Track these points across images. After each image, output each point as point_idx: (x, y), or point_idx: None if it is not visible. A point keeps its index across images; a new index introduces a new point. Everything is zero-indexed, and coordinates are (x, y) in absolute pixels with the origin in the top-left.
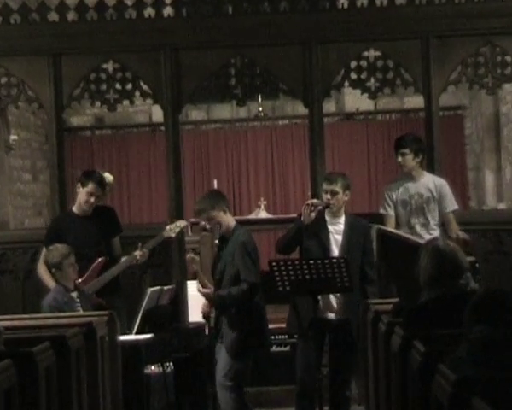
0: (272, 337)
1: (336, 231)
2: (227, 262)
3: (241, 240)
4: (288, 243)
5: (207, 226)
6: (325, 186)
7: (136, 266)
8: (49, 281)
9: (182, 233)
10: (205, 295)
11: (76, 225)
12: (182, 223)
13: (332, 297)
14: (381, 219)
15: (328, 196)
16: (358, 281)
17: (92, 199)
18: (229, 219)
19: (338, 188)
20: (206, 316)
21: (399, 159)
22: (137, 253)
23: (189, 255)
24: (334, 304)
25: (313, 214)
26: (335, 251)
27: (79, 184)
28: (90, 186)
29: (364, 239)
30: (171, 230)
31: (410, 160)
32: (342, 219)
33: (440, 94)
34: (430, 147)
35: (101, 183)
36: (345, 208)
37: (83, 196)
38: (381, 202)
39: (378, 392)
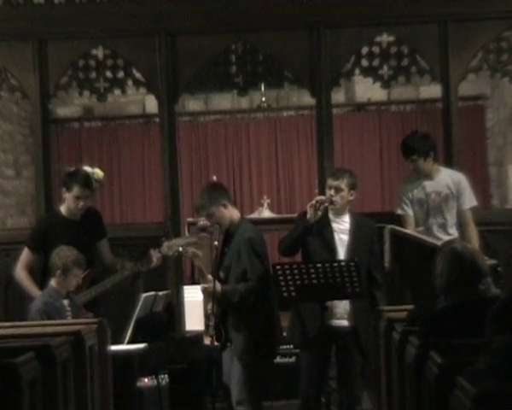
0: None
1: (341, 230)
2: (232, 260)
3: (247, 236)
4: (293, 242)
5: (208, 224)
6: (330, 182)
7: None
8: (31, 287)
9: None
10: (206, 290)
11: (66, 229)
12: (181, 241)
13: (339, 303)
14: (394, 218)
15: (332, 193)
16: (366, 286)
17: (81, 202)
18: (232, 213)
19: (343, 185)
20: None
21: (411, 166)
22: (153, 252)
23: (192, 250)
24: (342, 310)
25: (319, 212)
26: (341, 252)
27: (64, 189)
28: (76, 190)
29: (371, 240)
30: (170, 247)
31: (421, 164)
32: (346, 218)
33: (459, 83)
34: (448, 140)
35: (87, 183)
36: (349, 208)
37: (70, 201)
38: (395, 201)
39: (391, 407)
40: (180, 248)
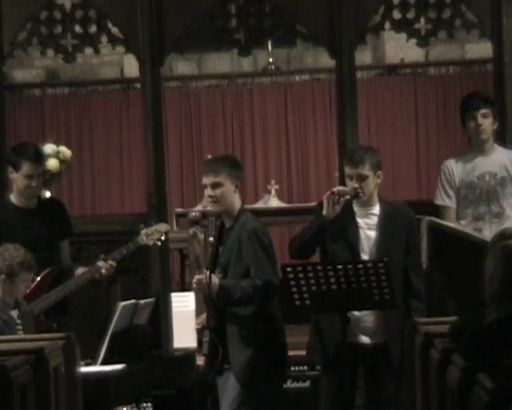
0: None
1: (368, 225)
2: (231, 257)
3: (250, 226)
4: (305, 244)
5: (197, 215)
6: (349, 170)
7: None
8: None
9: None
10: (201, 283)
11: (19, 220)
12: (163, 227)
13: (366, 315)
14: (434, 209)
15: (355, 184)
16: (401, 293)
17: (33, 183)
18: (235, 200)
19: (367, 170)
20: (201, 329)
21: (479, 121)
22: (101, 264)
23: (192, 230)
24: (370, 324)
25: (338, 207)
26: (367, 252)
27: (11, 168)
28: (26, 168)
29: (408, 235)
30: (149, 235)
31: (491, 124)
32: (376, 209)
33: None
34: (501, 110)
35: (37, 158)
36: (378, 193)
37: (20, 181)
38: (434, 187)
39: None
40: (162, 237)
